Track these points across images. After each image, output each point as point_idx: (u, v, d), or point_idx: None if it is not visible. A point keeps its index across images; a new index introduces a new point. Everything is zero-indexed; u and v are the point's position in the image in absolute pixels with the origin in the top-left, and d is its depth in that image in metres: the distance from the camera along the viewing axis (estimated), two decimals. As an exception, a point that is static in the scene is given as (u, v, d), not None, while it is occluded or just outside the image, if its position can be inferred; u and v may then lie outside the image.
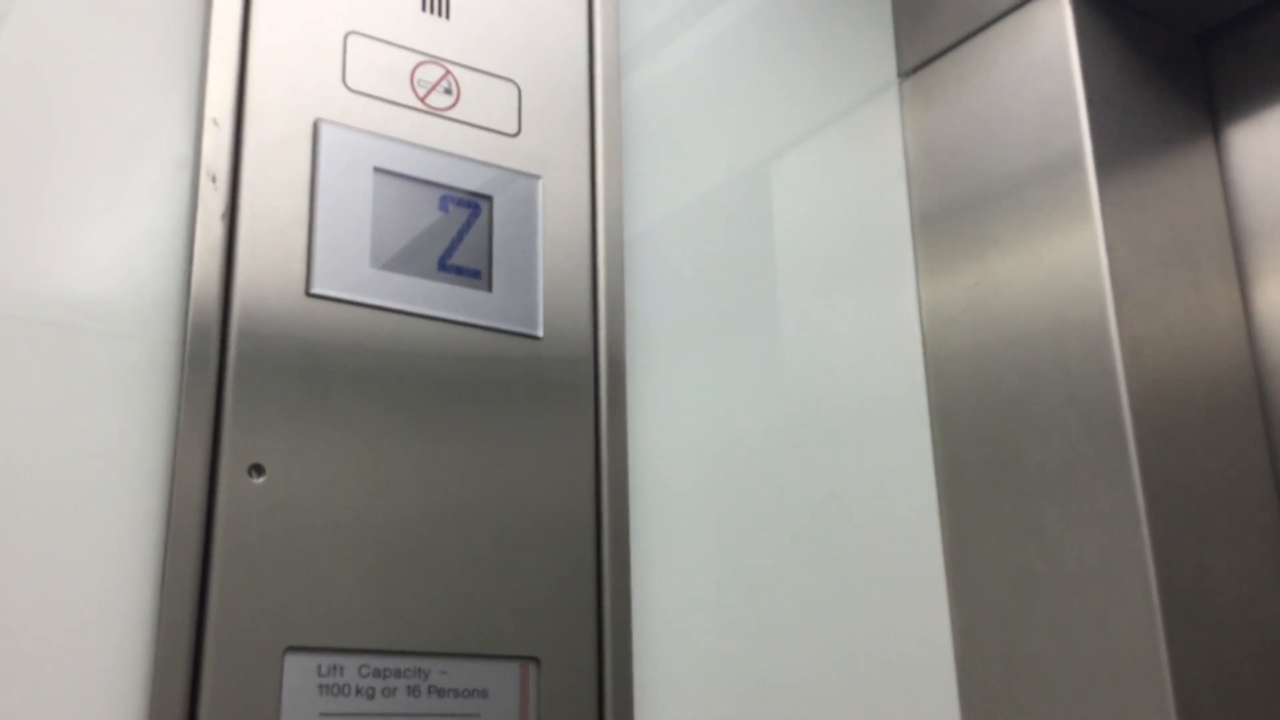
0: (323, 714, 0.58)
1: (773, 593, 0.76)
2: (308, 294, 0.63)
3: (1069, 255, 0.80)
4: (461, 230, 0.69)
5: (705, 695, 0.71)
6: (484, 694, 0.62)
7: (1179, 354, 0.80)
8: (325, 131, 0.66)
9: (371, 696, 0.59)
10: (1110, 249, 0.78)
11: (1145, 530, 0.73)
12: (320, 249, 0.64)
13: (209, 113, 0.63)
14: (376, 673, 0.60)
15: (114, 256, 0.60)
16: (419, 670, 0.61)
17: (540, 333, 0.69)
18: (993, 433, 0.83)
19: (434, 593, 0.62)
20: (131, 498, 0.57)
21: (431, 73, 0.71)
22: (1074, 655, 0.75)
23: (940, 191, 0.90)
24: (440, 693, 0.61)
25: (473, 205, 0.69)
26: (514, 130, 0.73)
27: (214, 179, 0.62)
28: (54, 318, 0.58)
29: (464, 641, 0.62)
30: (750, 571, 0.76)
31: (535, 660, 0.64)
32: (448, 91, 0.71)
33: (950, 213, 0.89)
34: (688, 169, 0.82)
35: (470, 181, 0.70)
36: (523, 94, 0.74)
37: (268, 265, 0.62)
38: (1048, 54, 0.84)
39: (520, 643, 0.64)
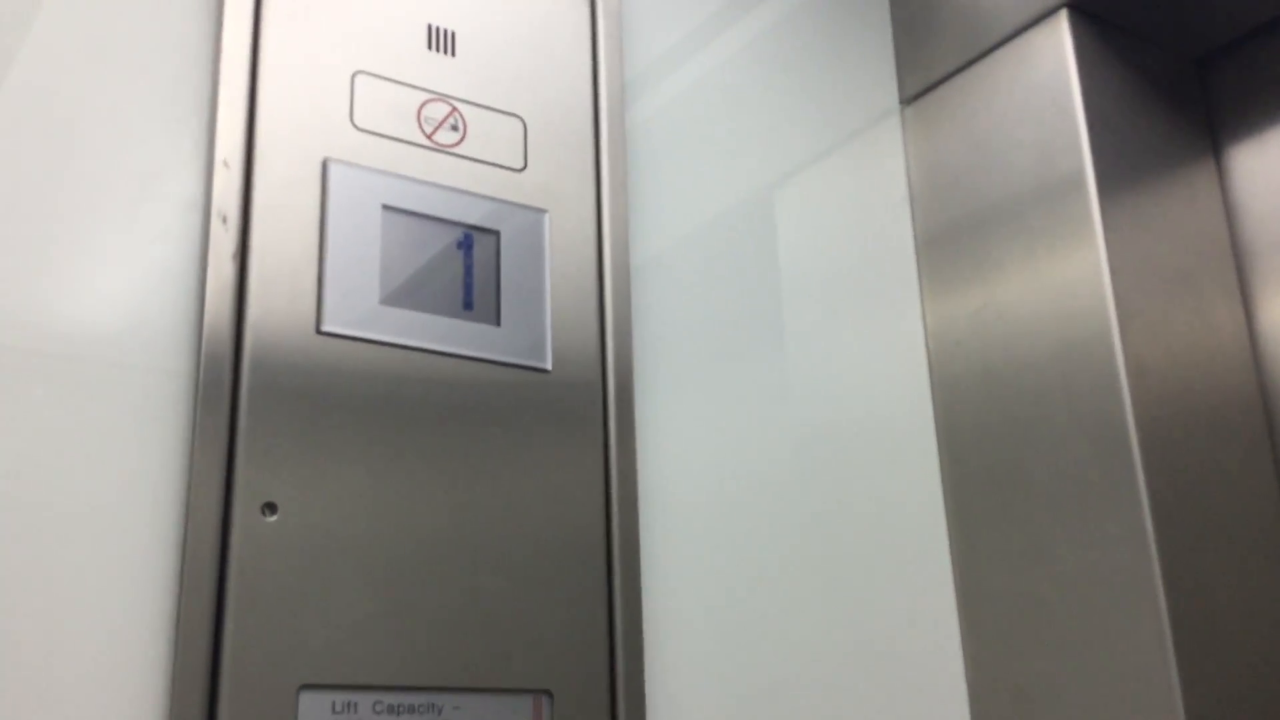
0: (338, 751, 0.58)
1: (784, 619, 0.76)
2: (318, 332, 0.63)
3: (1073, 278, 0.81)
4: (469, 265, 0.69)
5: (717, 724, 0.72)
6: (498, 729, 0.62)
7: (1184, 374, 0.80)
8: (334, 171, 0.66)
9: (386, 733, 0.60)
10: (1114, 271, 0.79)
11: (1153, 551, 0.73)
12: (330, 287, 0.64)
13: (219, 154, 0.64)
14: (391, 709, 0.60)
15: (127, 298, 0.61)
16: (433, 706, 0.61)
17: (549, 366, 0.70)
18: (1000, 455, 0.83)
19: (447, 627, 0.62)
20: (146, 538, 0.57)
21: (438, 110, 0.71)
22: (1085, 677, 0.75)
23: (944, 216, 0.91)
24: (454, 728, 0.61)
25: (480, 240, 0.70)
26: (520, 165, 0.73)
27: (224, 220, 0.63)
28: (68, 357, 0.58)
29: (478, 675, 0.62)
30: (761, 598, 0.76)
31: (548, 693, 0.64)
32: (454, 128, 0.71)
33: (954, 237, 0.89)
34: (693, 196, 0.83)
35: (477, 217, 0.70)
36: (528, 128, 0.74)
37: (279, 304, 0.63)
38: (1048, 79, 0.84)
39: (533, 675, 0.64)
